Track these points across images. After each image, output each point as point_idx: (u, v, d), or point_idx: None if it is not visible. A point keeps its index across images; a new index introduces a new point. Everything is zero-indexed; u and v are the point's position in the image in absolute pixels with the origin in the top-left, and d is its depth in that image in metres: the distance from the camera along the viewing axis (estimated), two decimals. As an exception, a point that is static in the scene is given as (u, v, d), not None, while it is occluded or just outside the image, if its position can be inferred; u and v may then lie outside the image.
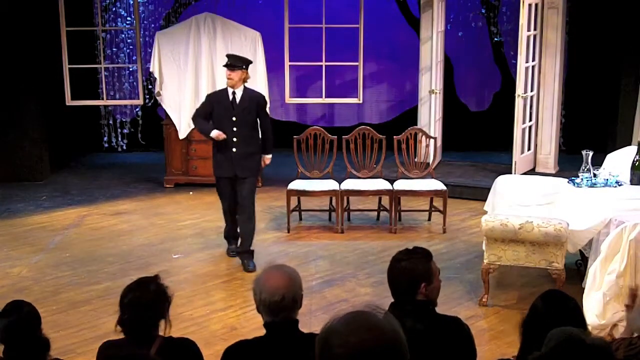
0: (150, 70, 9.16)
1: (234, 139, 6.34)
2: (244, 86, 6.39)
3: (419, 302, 3.06)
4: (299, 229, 7.62)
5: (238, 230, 6.59)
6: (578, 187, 5.89)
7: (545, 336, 2.47)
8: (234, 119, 6.32)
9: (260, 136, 6.52)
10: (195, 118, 6.60)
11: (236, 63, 6.34)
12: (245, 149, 6.36)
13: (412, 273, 3.08)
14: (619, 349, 3.21)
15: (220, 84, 9.11)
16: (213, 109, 6.44)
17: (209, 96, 6.69)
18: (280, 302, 2.84)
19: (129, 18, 10.76)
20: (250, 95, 6.42)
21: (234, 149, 6.34)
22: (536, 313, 2.98)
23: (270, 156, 6.65)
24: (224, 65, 6.42)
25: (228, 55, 6.57)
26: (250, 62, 6.63)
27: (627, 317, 3.69)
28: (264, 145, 6.55)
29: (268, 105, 6.88)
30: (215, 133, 6.30)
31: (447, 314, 3.19)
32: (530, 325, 2.95)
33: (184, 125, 9.04)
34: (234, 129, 6.33)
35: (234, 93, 6.36)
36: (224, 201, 6.62)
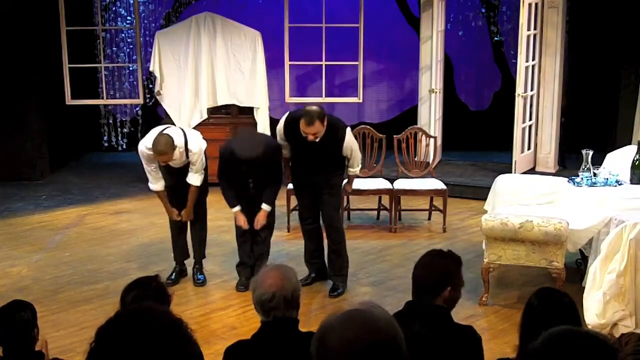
0: (151, 69, 9.15)
1: (251, 188, 5.83)
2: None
3: (434, 307, 3.03)
4: (299, 228, 7.59)
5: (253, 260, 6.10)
6: (578, 186, 5.89)
7: (542, 333, 2.46)
8: (249, 180, 5.80)
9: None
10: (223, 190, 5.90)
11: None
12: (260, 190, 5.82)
13: (443, 272, 3.05)
14: (629, 343, 3.20)
15: (220, 84, 9.13)
16: (232, 172, 5.78)
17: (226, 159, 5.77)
18: (270, 301, 2.84)
19: (129, 17, 10.75)
20: (262, 152, 5.65)
21: (252, 201, 5.86)
22: (532, 311, 2.98)
23: (268, 209, 5.84)
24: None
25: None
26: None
27: None
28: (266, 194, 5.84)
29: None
30: (239, 216, 5.84)
31: (460, 323, 3.15)
32: (527, 324, 2.95)
33: (183, 125, 9.03)
34: (251, 187, 5.83)
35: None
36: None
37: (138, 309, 1.74)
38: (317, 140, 5.52)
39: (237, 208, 5.85)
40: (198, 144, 5.85)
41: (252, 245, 6.06)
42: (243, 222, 5.86)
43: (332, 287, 5.93)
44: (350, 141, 5.78)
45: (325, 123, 5.52)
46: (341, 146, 5.70)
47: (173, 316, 1.73)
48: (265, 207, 5.84)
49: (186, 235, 6.23)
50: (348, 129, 5.80)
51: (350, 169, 5.99)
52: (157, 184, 5.97)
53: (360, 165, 6.07)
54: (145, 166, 5.91)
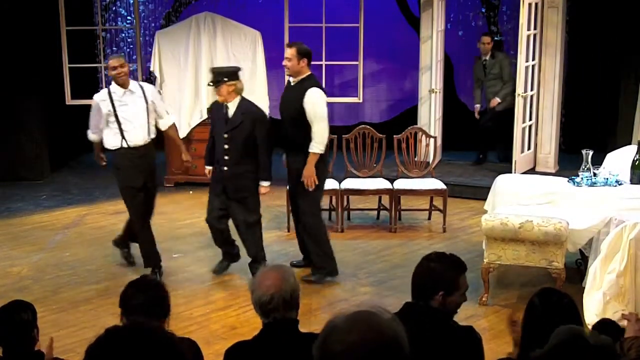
0: (151, 69, 9.16)
1: (225, 157, 5.81)
2: (241, 98, 5.81)
3: (432, 309, 3.02)
4: (299, 228, 7.62)
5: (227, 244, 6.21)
6: (578, 186, 5.90)
7: (543, 334, 2.47)
8: (225, 135, 5.79)
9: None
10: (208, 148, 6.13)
11: (218, 78, 5.74)
12: (235, 168, 5.79)
13: (434, 277, 3.03)
14: (632, 348, 3.18)
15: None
16: (214, 124, 5.99)
17: (209, 110, 6.17)
18: (269, 303, 2.84)
19: (129, 17, 10.76)
20: (245, 110, 5.77)
21: (225, 167, 5.84)
22: (534, 311, 2.98)
23: (267, 184, 5.87)
24: (208, 84, 5.97)
25: (211, 71, 6.04)
26: (237, 69, 5.99)
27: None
28: (258, 170, 5.83)
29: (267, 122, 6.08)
30: (206, 170, 6.13)
31: (461, 324, 3.14)
32: (528, 323, 2.96)
33: (183, 125, 9.04)
34: (225, 145, 5.79)
35: (227, 107, 5.80)
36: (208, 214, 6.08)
37: (128, 326, 1.71)
38: (289, 69, 5.75)
39: (209, 168, 6.11)
40: (152, 86, 6.41)
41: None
42: (208, 172, 6.12)
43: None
44: (313, 100, 5.64)
45: (302, 62, 5.68)
46: (302, 103, 5.62)
47: (165, 333, 1.71)
48: (263, 184, 5.88)
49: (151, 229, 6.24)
50: (316, 89, 5.68)
51: (311, 145, 5.69)
52: (95, 134, 6.20)
53: (321, 143, 5.68)
54: (91, 117, 6.19)
